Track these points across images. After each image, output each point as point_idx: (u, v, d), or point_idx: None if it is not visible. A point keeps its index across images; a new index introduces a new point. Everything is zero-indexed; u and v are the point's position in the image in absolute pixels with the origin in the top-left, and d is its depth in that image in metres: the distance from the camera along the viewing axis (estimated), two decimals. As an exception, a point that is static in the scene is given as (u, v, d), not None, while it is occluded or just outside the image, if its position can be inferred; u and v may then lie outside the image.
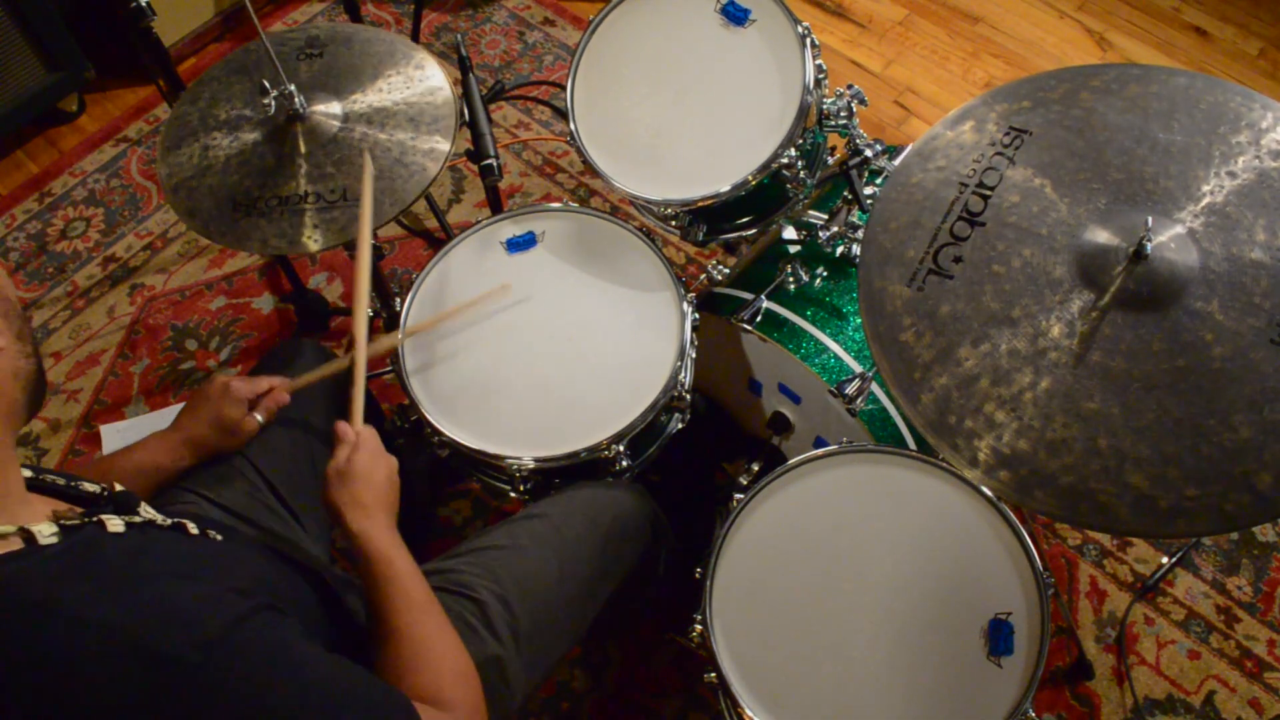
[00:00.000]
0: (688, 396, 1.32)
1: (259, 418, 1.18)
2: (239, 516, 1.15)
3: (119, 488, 0.88)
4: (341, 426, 1.09)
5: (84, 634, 0.67)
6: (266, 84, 1.30)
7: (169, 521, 0.86)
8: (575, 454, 1.25)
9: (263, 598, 0.79)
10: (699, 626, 1.14)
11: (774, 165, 1.34)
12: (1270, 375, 0.93)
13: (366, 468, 1.05)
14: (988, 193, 1.09)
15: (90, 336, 2.12)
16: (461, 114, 1.40)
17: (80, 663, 0.66)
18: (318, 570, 1.08)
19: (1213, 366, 0.95)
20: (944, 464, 1.18)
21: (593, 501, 1.25)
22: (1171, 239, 1.00)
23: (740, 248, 1.69)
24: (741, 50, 1.41)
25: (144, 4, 1.58)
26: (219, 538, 0.92)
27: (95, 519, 0.76)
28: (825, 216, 1.53)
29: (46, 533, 0.72)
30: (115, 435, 1.93)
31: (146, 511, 0.88)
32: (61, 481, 0.84)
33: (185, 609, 0.72)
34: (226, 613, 0.73)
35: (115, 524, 0.77)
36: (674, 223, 1.47)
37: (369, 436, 1.08)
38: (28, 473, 0.82)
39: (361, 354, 1.17)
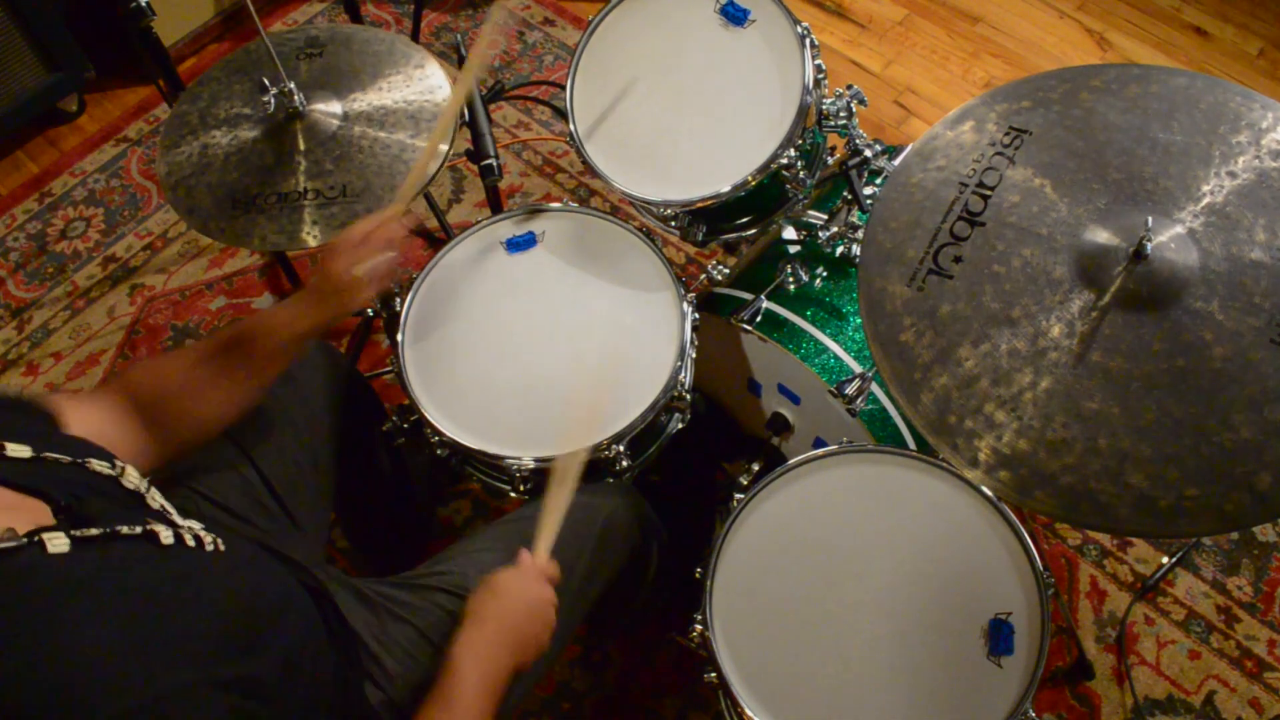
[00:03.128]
0: (688, 396, 1.32)
1: (360, 270, 1.13)
2: (235, 515, 1.15)
3: (130, 472, 0.85)
4: (522, 554, 1.06)
5: None
6: (266, 81, 1.30)
7: (138, 530, 0.77)
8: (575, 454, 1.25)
9: (205, 669, 0.69)
10: (699, 626, 1.14)
11: (774, 165, 1.34)
12: (1270, 375, 0.93)
13: (514, 600, 1.01)
14: (988, 193, 1.09)
15: (90, 337, 2.12)
16: (461, 114, 1.40)
17: None
18: (311, 570, 1.08)
19: (1213, 366, 0.95)
20: (944, 464, 1.18)
21: (582, 503, 1.25)
22: (1171, 239, 1.00)
23: (740, 248, 1.69)
24: (741, 50, 1.41)
25: (144, 4, 1.58)
26: (194, 543, 0.83)
27: (36, 539, 0.68)
28: (825, 216, 1.53)
29: None
30: (115, 435, 1.93)
31: (153, 500, 0.85)
32: (66, 460, 0.79)
33: (89, 681, 0.63)
34: (133, 695, 0.64)
35: (59, 543, 0.68)
36: (674, 223, 1.47)
37: (533, 577, 1.04)
38: (26, 451, 0.77)
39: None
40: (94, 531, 0.72)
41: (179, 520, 0.85)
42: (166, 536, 0.78)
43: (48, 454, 0.78)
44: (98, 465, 0.82)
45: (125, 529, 0.76)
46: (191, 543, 0.81)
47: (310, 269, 1.17)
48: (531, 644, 1.02)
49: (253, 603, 0.83)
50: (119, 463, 0.85)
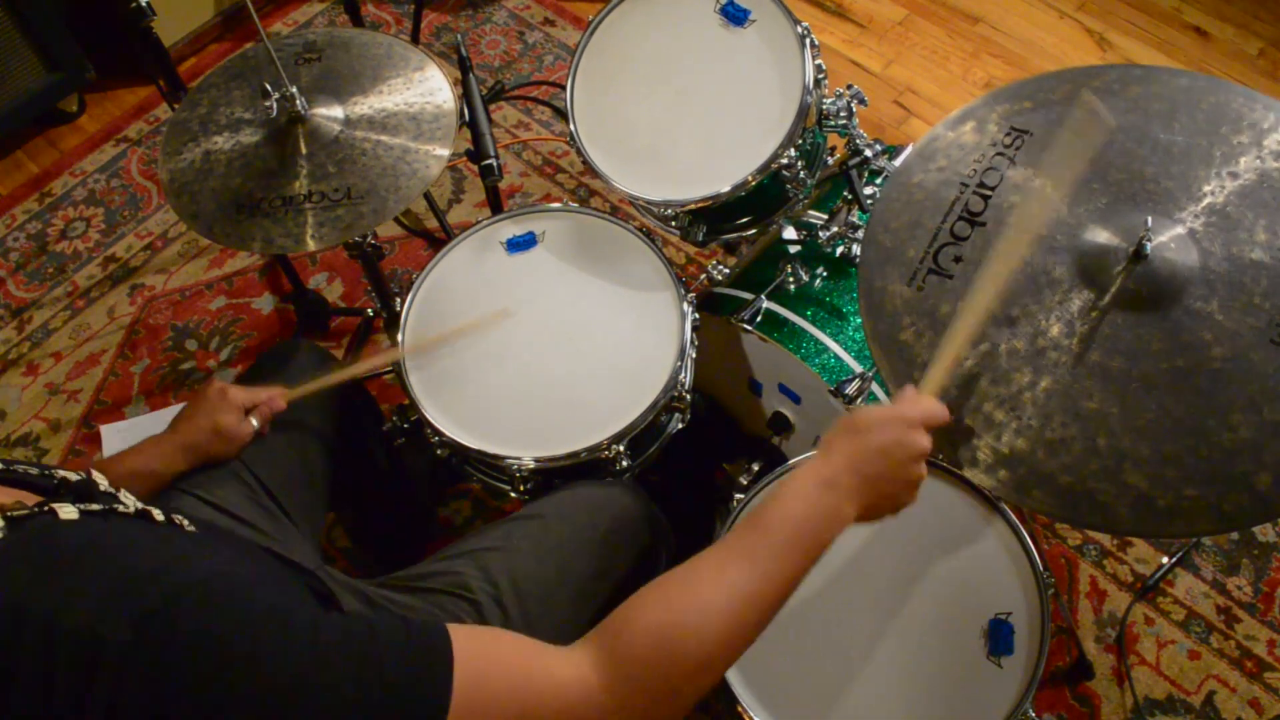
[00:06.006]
0: (688, 396, 1.32)
1: (254, 423, 1.18)
2: (234, 517, 1.15)
3: (96, 475, 0.86)
4: (906, 388, 0.93)
5: (20, 624, 0.63)
6: (268, 86, 1.30)
7: (134, 509, 0.82)
8: (575, 454, 1.25)
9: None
10: (699, 626, 1.14)
11: (774, 165, 1.34)
12: (1270, 375, 0.93)
13: (877, 441, 0.86)
14: (988, 193, 1.09)
15: (90, 336, 2.12)
16: (461, 114, 1.40)
17: (13, 653, 0.62)
18: (312, 570, 1.08)
19: (1212, 366, 0.95)
20: (943, 463, 1.18)
21: (589, 501, 1.24)
22: (1171, 239, 1.00)
23: (740, 248, 1.69)
24: (741, 50, 1.41)
25: (144, 4, 1.58)
26: (190, 527, 0.88)
27: (46, 508, 0.71)
28: (825, 216, 1.53)
29: None
30: (115, 435, 1.93)
31: (125, 498, 0.87)
32: (35, 471, 0.81)
33: (127, 583, 0.66)
34: (172, 579, 0.67)
35: (68, 511, 0.72)
36: (674, 223, 1.47)
37: (911, 419, 0.88)
38: None
39: None
40: (96, 506, 0.76)
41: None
42: (158, 515, 0.83)
43: (17, 465, 0.81)
44: (65, 473, 0.84)
45: (121, 507, 0.80)
46: (179, 522, 0.86)
47: (187, 416, 1.19)
48: (885, 501, 0.87)
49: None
50: (82, 471, 0.86)
